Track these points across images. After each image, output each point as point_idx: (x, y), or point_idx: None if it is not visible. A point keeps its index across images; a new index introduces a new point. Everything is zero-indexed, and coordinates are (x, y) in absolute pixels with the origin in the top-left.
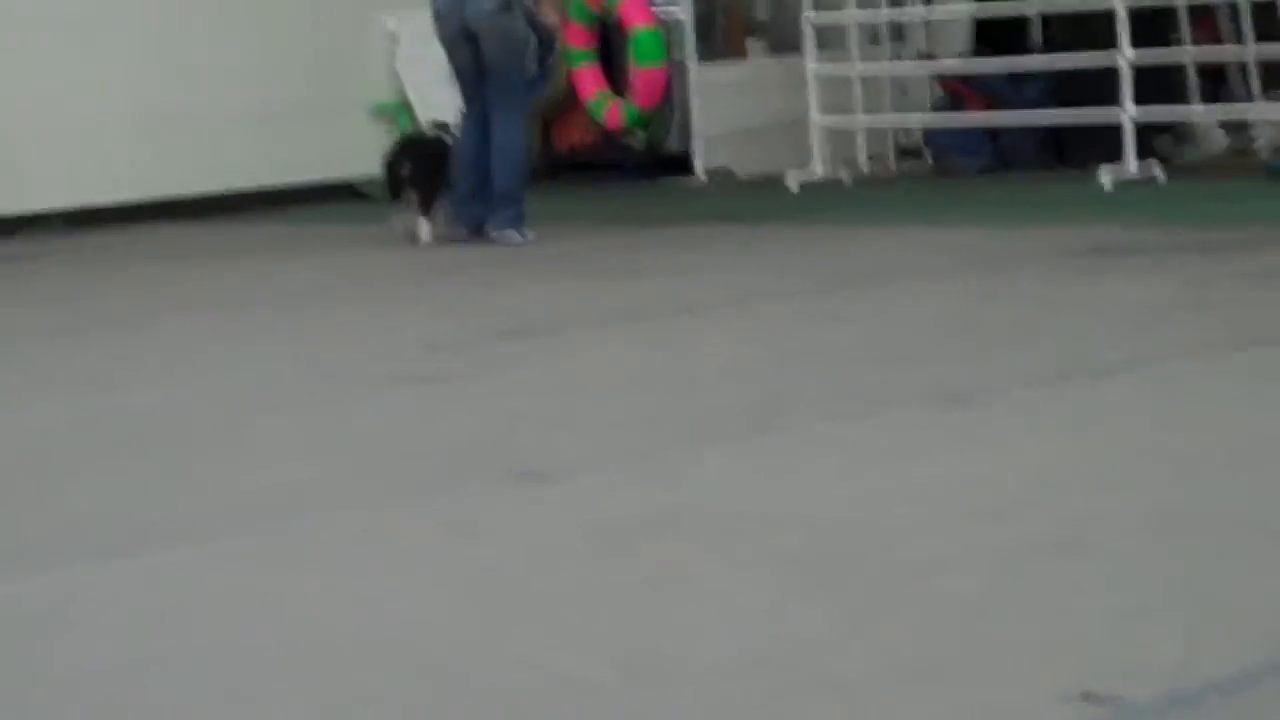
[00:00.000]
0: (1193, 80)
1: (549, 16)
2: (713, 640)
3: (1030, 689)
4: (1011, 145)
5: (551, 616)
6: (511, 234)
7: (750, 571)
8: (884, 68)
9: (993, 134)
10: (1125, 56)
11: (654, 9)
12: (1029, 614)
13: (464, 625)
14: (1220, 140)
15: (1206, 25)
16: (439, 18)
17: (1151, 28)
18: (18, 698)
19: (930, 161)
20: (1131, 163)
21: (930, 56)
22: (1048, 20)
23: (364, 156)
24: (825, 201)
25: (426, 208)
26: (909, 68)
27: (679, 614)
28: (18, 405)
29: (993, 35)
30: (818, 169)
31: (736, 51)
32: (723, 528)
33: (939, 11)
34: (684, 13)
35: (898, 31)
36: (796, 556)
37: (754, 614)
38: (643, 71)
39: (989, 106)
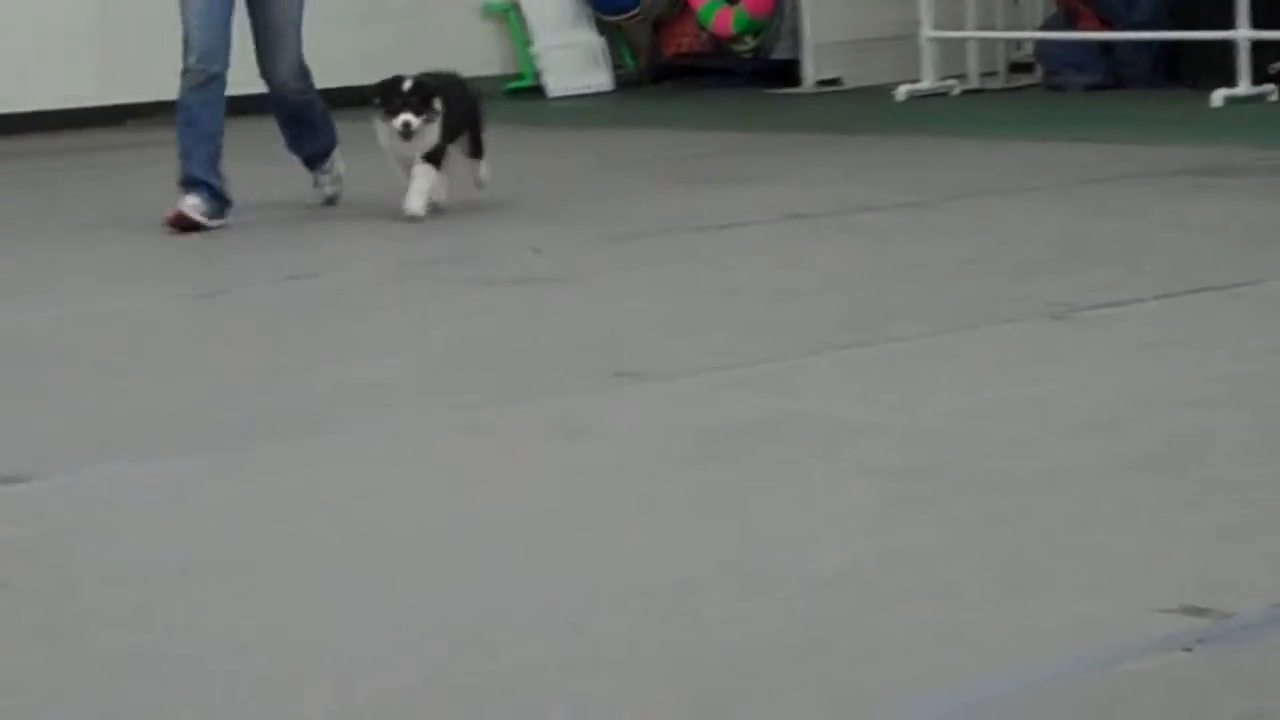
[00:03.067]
0: None
1: None
2: (816, 548)
3: (1131, 601)
4: (1124, 62)
5: (656, 519)
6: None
7: (853, 481)
8: None
9: (1105, 50)
10: None
11: None
12: (1130, 528)
13: (568, 524)
14: None
15: None
16: None
17: None
18: (101, 591)
19: (1041, 76)
20: (1245, 83)
21: None
22: None
23: (473, 56)
24: (934, 114)
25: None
26: None
27: (783, 521)
28: (130, 293)
29: None
30: (927, 81)
31: None
32: (826, 436)
33: None
34: None
35: None
36: (899, 467)
37: (857, 523)
38: None
39: (1102, 23)
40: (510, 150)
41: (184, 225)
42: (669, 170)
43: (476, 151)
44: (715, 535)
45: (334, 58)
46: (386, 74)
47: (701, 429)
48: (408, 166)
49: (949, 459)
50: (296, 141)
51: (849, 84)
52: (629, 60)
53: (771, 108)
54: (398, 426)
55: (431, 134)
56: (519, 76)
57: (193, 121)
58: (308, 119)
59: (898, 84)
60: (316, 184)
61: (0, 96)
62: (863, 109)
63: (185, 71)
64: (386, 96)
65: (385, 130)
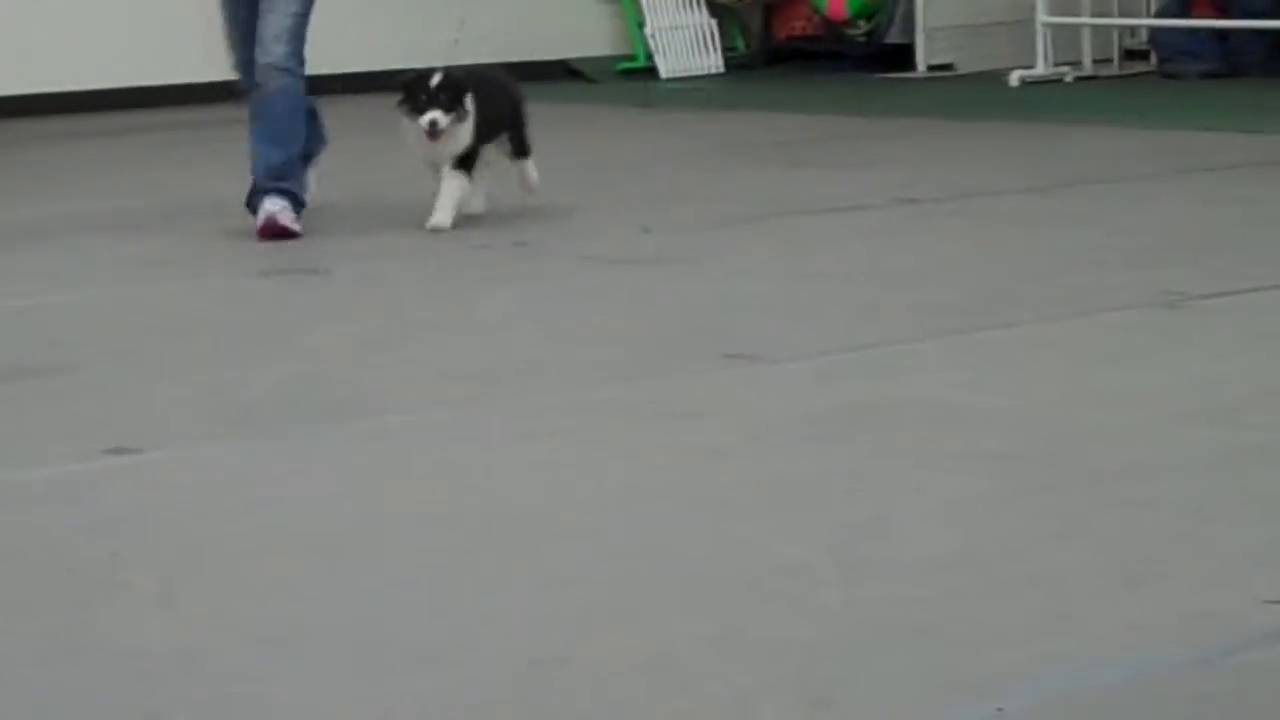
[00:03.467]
0: None
1: None
2: (925, 534)
3: (1245, 593)
4: (1239, 49)
5: (765, 501)
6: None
7: (964, 466)
8: None
9: (1221, 37)
10: None
11: None
12: (1245, 518)
13: (678, 505)
14: None
15: None
16: None
17: None
18: (221, 561)
19: (1155, 64)
20: None
21: None
22: None
23: (586, 37)
24: (1047, 100)
25: (523, 152)
26: None
27: (892, 506)
28: (236, 271)
29: None
30: (1041, 67)
31: None
32: (937, 421)
33: None
34: None
35: None
36: (1010, 453)
37: (967, 509)
38: None
39: (1218, 10)
40: (621, 131)
41: (276, 232)
42: (780, 154)
43: (520, 150)
44: (824, 519)
45: (448, 40)
46: (502, 54)
47: (812, 412)
48: (437, 170)
49: (1061, 446)
50: (266, 144)
51: (962, 69)
52: (740, 43)
53: (883, 92)
54: (509, 405)
55: (463, 135)
56: (631, 58)
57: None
58: (282, 116)
59: (1011, 70)
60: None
61: (116, 73)
62: (976, 94)
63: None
64: (412, 92)
65: (411, 130)
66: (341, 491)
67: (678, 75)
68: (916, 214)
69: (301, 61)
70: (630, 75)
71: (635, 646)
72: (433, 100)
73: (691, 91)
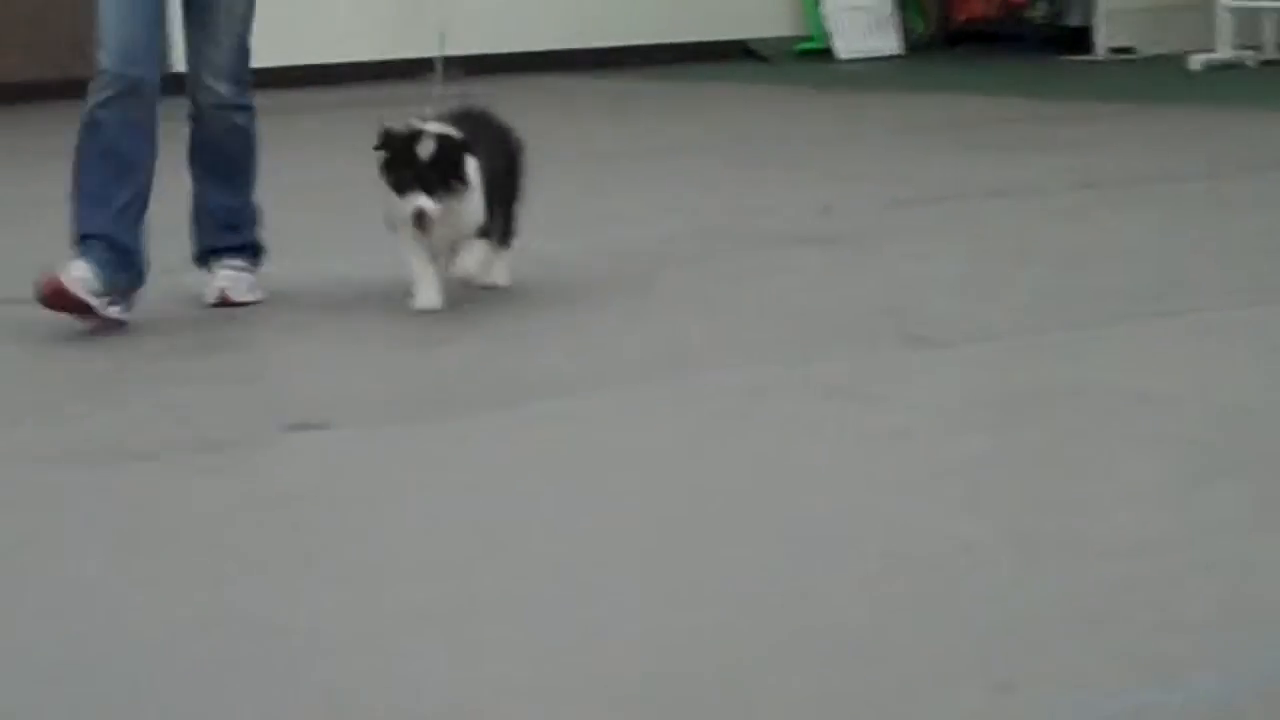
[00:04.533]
0: None
1: None
2: (1111, 517)
3: None
4: None
5: (947, 483)
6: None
7: (1151, 451)
8: None
9: None
10: None
11: None
12: None
13: (859, 486)
14: None
15: None
16: None
17: None
18: (402, 540)
19: None
20: None
21: None
22: None
23: (763, 17)
24: (1229, 85)
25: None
26: None
27: (1077, 489)
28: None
29: None
30: (1222, 51)
31: None
32: (1124, 406)
33: None
34: None
35: None
36: (1198, 439)
37: (1153, 494)
38: None
39: None
40: (799, 112)
41: (63, 304)
42: (959, 136)
43: (503, 235)
44: (1007, 501)
45: (619, 15)
46: (675, 34)
47: (995, 395)
48: (435, 259)
49: (1250, 433)
50: (218, 189)
51: (1142, 52)
52: (919, 24)
53: (1063, 75)
54: (687, 387)
55: (468, 215)
56: (809, 38)
57: (107, 150)
58: (236, 157)
59: (1192, 53)
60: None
61: (318, 49)
62: (1156, 78)
63: (98, 75)
64: (392, 164)
65: (396, 208)
66: (520, 473)
67: (855, 56)
68: (1097, 199)
69: (250, 89)
70: (808, 56)
71: (818, 626)
72: (420, 179)
73: (869, 72)
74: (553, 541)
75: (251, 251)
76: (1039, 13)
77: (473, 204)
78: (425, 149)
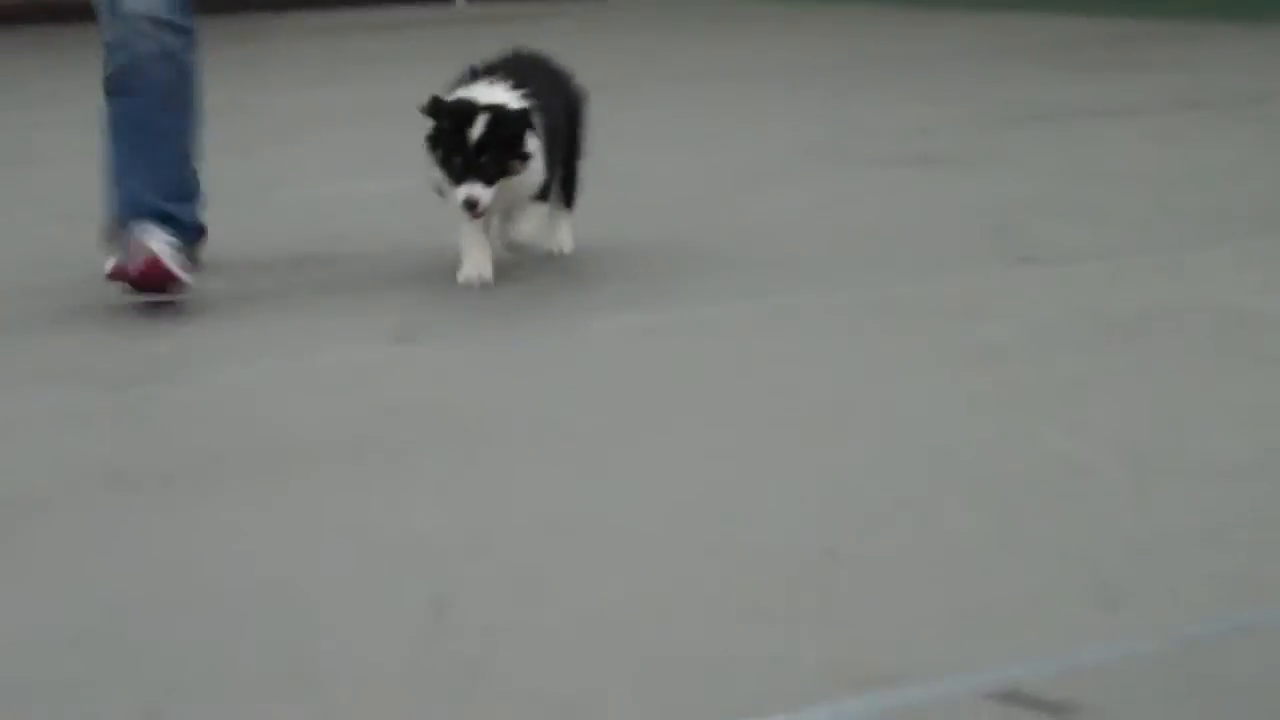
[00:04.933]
0: None
1: None
2: (1219, 438)
3: None
4: None
5: (1053, 401)
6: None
7: (1259, 371)
8: None
9: None
10: None
11: None
12: None
13: (963, 404)
14: None
15: None
16: None
17: None
18: (511, 451)
19: None
20: None
21: None
22: None
23: None
24: None
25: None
26: None
27: (1184, 409)
28: None
29: None
30: None
31: None
32: (1229, 326)
33: None
34: None
35: None
36: None
37: (1261, 414)
38: None
39: None
40: (894, 31)
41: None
42: (1057, 55)
43: (566, 197)
44: (1114, 421)
45: None
46: None
47: (1099, 314)
48: (488, 225)
49: None
50: (146, 156)
51: None
52: None
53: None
54: (795, 303)
55: (528, 179)
56: None
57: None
58: (172, 106)
59: None
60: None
61: None
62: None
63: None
64: (440, 140)
65: (445, 190)
66: (627, 384)
67: None
68: (1199, 118)
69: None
70: None
71: (921, 542)
72: (470, 165)
73: None
74: (657, 451)
75: (184, 234)
76: None
77: (531, 169)
78: (478, 129)
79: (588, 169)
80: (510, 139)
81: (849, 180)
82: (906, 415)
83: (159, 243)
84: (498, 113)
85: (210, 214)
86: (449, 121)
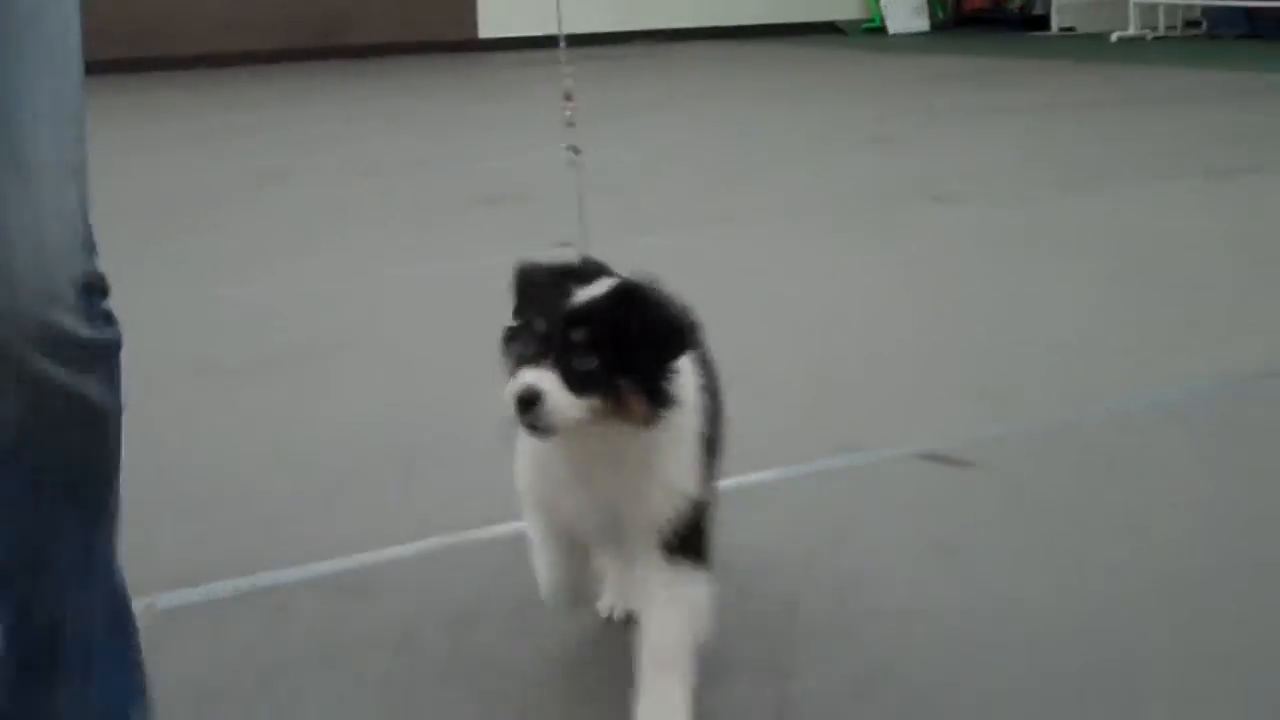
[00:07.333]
0: None
1: None
2: (1047, 305)
3: None
4: (1261, 19)
5: (947, 280)
6: None
7: (1065, 264)
8: None
9: (1247, 13)
10: None
11: None
12: None
13: (895, 284)
14: None
15: None
16: None
17: None
18: None
19: (1205, 28)
20: None
21: None
22: None
23: (840, 4)
24: (1134, 52)
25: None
26: None
27: (1023, 285)
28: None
29: None
30: (1131, 29)
31: None
32: (1054, 233)
33: None
34: None
35: None
36: None
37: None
38: None
39: None
40: (864, 66)
41: None
42: (967, 78)
43: (695, 545)
44: (984, 296)
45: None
46: (776, 18)
47: (983, 233)
48: (573, 548)
49: None
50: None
51: (1080, 30)
52: (940, 11)
53: (1029, 45)
54: (846, 221)
55: (668, 462)
56: (871, 19)
57: None
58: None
59: (1112, 31)
60: None
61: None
62: (1088, 47)
63: None
64: (524, 330)
65: (516, 432)
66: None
67: (900, 32)
68: (1054, 114)
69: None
70: (871, 32)
71: (873, 367)
72: (553, 341)
73: (911, 43)
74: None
75: None
76: (1016, 4)
77: (679, 448)
78: (590, 293)
79: None
80: (653, 336)
81: (827, 154)
82: (847, 292)
83: None
84: (638, 290)
85: None
86: (535, 285)
